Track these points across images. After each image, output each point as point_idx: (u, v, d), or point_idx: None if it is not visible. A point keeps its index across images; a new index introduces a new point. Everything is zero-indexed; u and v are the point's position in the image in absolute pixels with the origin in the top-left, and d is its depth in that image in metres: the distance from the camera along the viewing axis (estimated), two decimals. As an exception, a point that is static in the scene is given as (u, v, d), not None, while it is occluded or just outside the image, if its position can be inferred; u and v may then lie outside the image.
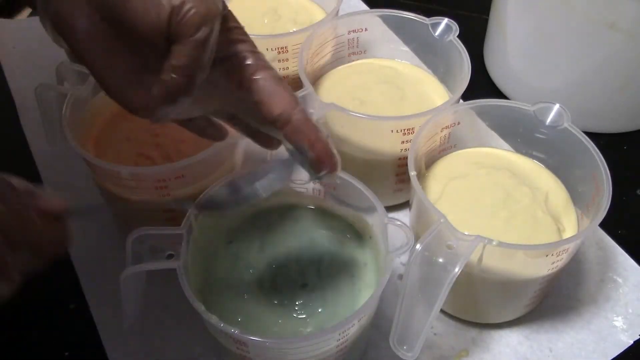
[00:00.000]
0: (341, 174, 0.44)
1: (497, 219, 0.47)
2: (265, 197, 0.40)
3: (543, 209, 0.48)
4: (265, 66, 0.37)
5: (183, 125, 0.42)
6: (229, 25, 0.36)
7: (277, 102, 0.36)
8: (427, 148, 0.51)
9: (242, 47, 0.36)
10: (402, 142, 0.51)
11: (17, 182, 0.32)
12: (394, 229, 0.41)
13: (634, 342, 0.49)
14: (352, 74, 0.61)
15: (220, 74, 0.36)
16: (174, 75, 0.33)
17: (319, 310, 0.43)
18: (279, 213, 0.48)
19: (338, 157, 0.38)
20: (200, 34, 0.32)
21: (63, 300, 0.51)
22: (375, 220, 0.43)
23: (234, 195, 0.42)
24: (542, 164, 0.52)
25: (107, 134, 0.53)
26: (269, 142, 0.42)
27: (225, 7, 0.36)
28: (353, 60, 0.63)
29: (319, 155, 0.37)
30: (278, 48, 0.59)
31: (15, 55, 0.73)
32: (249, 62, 0.36)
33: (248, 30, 0.38)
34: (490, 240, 0.41)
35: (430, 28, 0.57)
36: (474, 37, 0.71)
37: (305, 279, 0.44)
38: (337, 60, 0.62)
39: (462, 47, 0.55)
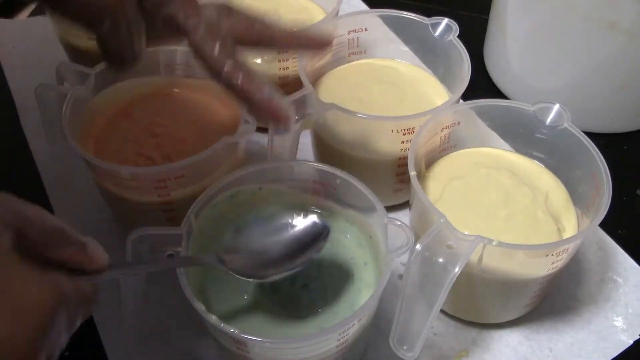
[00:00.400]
0: (341, 174, 0.44)
1: (497, 219, 0.47)
2: None
3: (543, 209, 0.47)
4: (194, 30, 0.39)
5: None
6: None
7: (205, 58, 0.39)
8: (427, 148, 0.51)
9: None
10: (402, 142, 0.51)
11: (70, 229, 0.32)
12: (394, 229, 0.41)
13: (634, 342, 0.49)
14: (352, 74, 0.61)
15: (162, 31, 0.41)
16: None
17: (319, 310, 0.43)
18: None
19: (282, 108, 0.38)
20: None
21: (63, 300, 0.51)
22: (375, 220, 0.43)
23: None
24: (542, 164, 0.52)
25: (107, 134, 0.53)
26: None
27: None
28: (353, 60, 0.62)
29: (255, 108, 0.38)
30: (278, 48, 0.59)
31: (15, 55, 0.73)
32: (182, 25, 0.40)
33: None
34: (490, 240, 0.41)
35: (430, 28, 0.57)
36: (474, 37, 0.71)
37: (305, 279, 0.44)
38: (337, 60, 0.62)
39: (462, 47, 0.55)
